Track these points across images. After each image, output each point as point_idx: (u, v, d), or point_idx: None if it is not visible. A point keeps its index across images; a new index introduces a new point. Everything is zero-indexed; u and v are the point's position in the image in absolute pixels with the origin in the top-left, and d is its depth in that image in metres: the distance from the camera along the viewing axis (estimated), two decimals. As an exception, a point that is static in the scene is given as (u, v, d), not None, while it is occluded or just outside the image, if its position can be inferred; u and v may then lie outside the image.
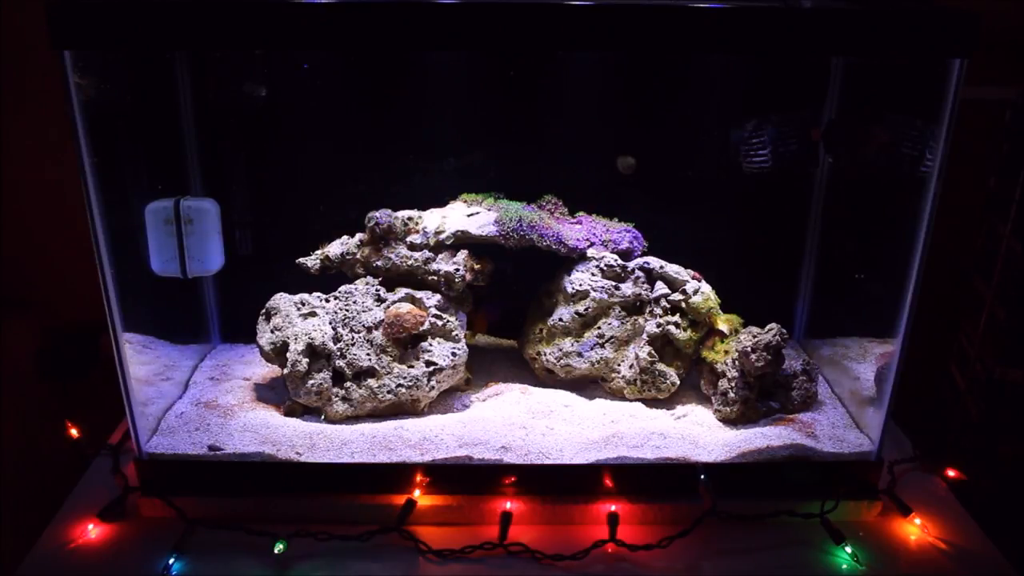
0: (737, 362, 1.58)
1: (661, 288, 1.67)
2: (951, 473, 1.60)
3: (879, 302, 1.49)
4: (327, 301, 1.65)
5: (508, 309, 1.78)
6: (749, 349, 1.55)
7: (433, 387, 1.58)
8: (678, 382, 1.64)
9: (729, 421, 1.59)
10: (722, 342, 1.63)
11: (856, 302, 1.67)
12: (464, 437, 1.51)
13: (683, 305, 1.64)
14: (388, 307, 1.62)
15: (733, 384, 1.58)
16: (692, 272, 1.68)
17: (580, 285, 1.66)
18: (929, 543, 1.44)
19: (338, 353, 1.58)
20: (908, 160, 1.43)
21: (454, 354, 1.60)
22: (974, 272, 1.91)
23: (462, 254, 1.65)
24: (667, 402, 1.66)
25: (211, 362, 1.81)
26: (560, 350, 1.66)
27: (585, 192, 1.77)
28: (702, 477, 1.45)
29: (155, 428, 1.52)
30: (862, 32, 1.25)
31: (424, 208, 1.71)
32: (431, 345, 1.60)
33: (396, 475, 1.46)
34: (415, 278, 1.65)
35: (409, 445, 1.49)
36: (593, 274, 1.66)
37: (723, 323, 1.63)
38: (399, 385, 1.56)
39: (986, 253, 1.86)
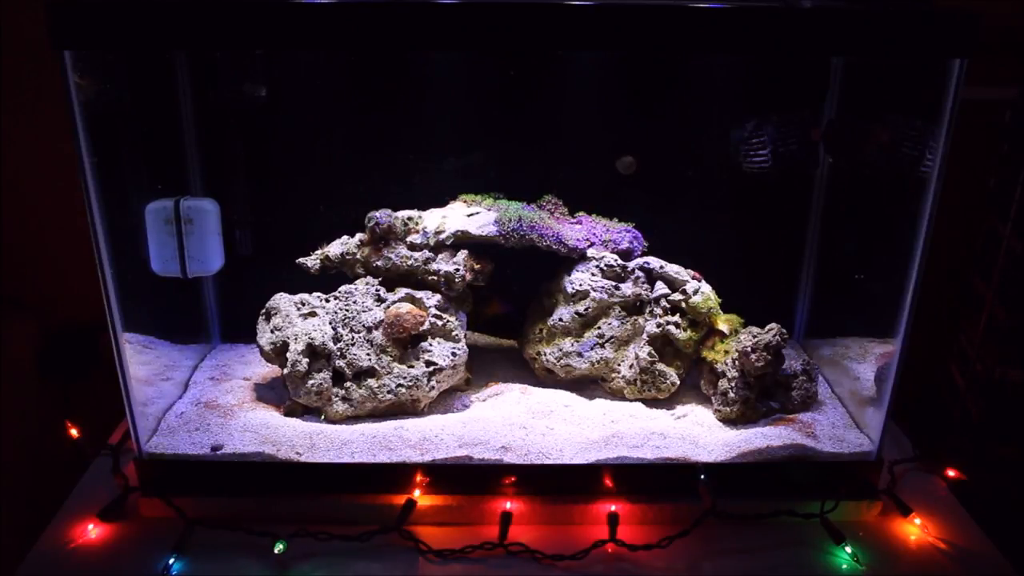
0: (737, 362, 1.58)
1: (661, 288, 1.67)
2: (951, 473, 1.60)
3: (879, 302, 1.49)
4: (327, 301, 1.65)
5: (509, 307, 1.78)
6: (749, 349, 1.55)
7: (433, 387, 1.58)
8: (678, 382, 1.64)
9: (729, 421, 1.59)
10: (722, 342, 1.63)
11: (856, 302, 1.67)
12: (464, 437, 1.51)
13: (683, 305, 1.64)
14: (388, 307, 1.62)
15: (733, 384, 1.58)
16: (692, 272, 1.68)
17: (580, 285, 1.66)
18: (929, 543, 1.44)
19: (338, 353, 1.58)
20: (908, 160, 1.43)
21: (454, 354, 1.60)
22: (974, 272, 1.91)
23: (462, 254, 1.64)
24: (667, 402, 1.66)
25: (211, 362, 1.81)
26: (560, 350, 1.66)
27: (585, 192, 1.77)
28: (702, 477, 1.45)
29: (155, 428, 1.52)
30: (862, 32, 1.25)
31: (424, 208, 1.71)
32: (431, 345, 1.60)
33: (396, 475, 1.46)
34: (415, 278, 1.65)
35: (409, 445, 1.49)
36: (593, 274, 1.66)
37: (723, 323, 1.63)
38: (399, 385, 1.56)
39: (986, 253, 1.86)
